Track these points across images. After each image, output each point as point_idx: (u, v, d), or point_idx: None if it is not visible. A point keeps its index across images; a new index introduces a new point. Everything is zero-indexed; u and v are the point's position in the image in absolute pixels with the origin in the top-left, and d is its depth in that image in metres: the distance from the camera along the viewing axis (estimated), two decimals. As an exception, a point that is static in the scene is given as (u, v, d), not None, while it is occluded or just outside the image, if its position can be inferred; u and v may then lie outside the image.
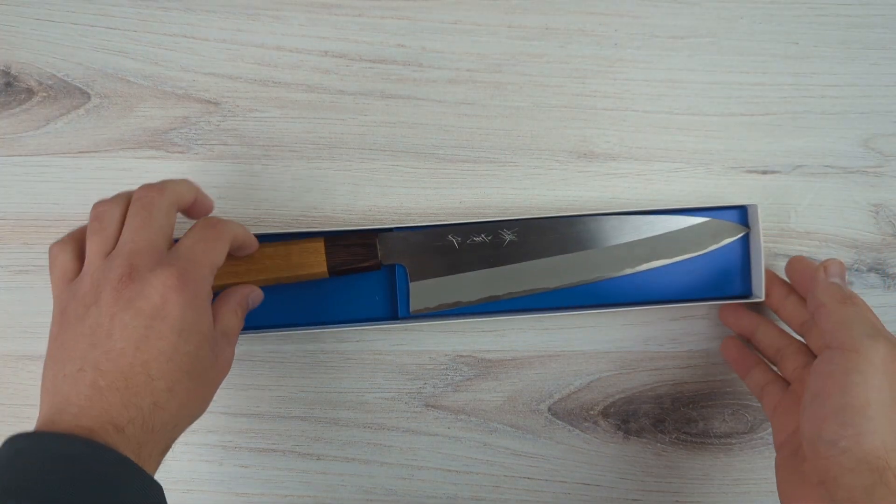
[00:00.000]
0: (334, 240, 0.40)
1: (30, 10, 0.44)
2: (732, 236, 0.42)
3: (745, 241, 0.43)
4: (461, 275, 0.41)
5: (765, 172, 0.45)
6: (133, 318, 0.31)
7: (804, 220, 0.46)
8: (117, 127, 0.44)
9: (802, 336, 0.40)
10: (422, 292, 0.41)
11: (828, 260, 0.38)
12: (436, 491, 0.45)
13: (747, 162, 0.45)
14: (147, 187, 0.34)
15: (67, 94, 0.44)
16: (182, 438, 0.44)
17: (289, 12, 0.44)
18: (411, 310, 0.41)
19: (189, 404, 0.33)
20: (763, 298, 0.42)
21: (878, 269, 0.46)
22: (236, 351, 0.44)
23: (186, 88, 0.44)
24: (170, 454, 0.44)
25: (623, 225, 0.42)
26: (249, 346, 0.45)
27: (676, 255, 0.42)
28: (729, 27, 0.45)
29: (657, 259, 0.42)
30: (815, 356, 0.39)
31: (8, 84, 0.44)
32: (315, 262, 0.39)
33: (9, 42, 0.44)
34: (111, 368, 0.30)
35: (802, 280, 0.40)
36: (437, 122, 0.45)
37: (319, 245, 0.40)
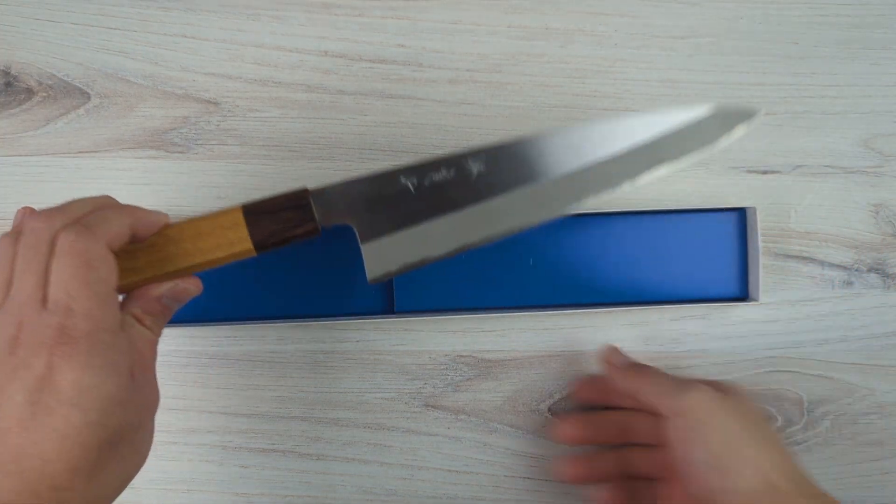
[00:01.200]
0: (255, 206, 0.33)
1: (30, 10, 0.44)
2: (744, 122, 0.36)
3: (744, 242, 0.43)
4: (423, 225, 0.34)
5: (765, 172, 0.45)
6: (17, 391, 0.26)
7: (804, 220, 0.46)
8: (117, 127, 0.44)
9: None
10: (377, 255, 0.34)
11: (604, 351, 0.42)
12: (436, 491, 0.45)
13: (747, 162, 0.45)
14: (74, 229, 0.28)
15: (67, 94, 0.44)
16: (182, 439, 0.44)
17: (289, 12, 0.44)
18: (368, 278, 0.34)
19: (109, 473, 0.28)
20: (759, 300, 0.42)
21: (878, 269, 0.46)
22: (236, 351, 0.44)
23: (186, 88, 0.44)
24: (169, 454, 0.44)
25: (614, 130, 0.35)
26: (249, 347, 0.45)
27: (683, 155, 0.35)
28: (729, 27, 0.45)
29: (661, 164, 0.35)
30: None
31: (8, 84, 0.44)
32: (235, 238, 0.32)
33: (9, 42, 0.44)
34: (1, 450, 0.26)
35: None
36: (437, 122, 0.45)
37: (237, 216, 0.32)
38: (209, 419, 0.44)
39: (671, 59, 0.45)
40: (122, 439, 0.28)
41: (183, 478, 0.45)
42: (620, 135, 0.35)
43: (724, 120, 0.35)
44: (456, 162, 0.34)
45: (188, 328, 0.44)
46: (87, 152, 0.44)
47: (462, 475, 0.45)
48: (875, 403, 0.46)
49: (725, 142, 0.35)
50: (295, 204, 0.33)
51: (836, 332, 0.46)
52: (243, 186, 0.44)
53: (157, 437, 0.44)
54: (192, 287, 0.32)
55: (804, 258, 0.46)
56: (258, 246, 0.32)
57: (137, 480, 0.44)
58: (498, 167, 0.34)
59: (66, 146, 0.44)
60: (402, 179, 0.34)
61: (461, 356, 0.45)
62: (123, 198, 0.43)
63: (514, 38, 0.45)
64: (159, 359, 0.44)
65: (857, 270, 0.46)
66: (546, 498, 0.46)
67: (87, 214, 0.29)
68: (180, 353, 0.44)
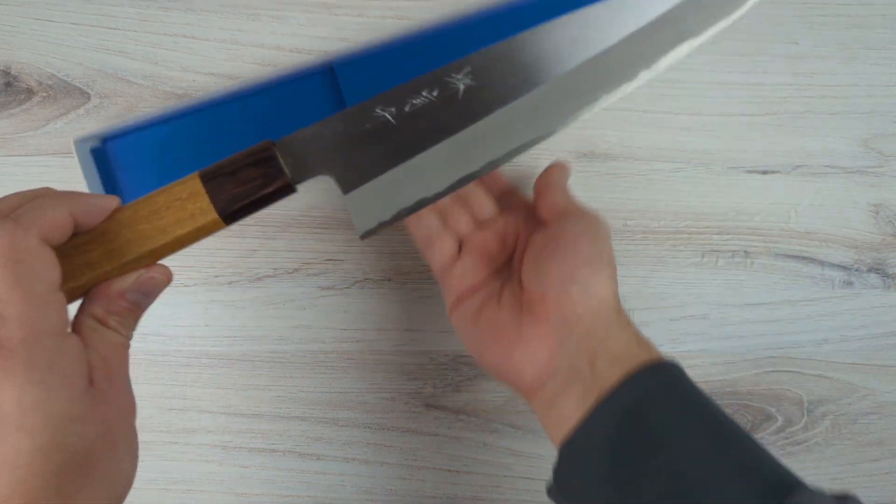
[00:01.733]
0: (214, 170, 0.28)
1: (30, 10, 0.44)
2: None
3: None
4: (412, 161, 0.29)
5: (765, 172, 0.45)
6: None
7: (804, 220, 0.46)
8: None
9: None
10: (364, 205, 0.29)
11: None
12: (436, 491, 0.45)
13: (747, 162, 0.45)
14: (2, 227, 0.24)
15: (67, 94, 0.44)
16: (182, 439, 0.44)
17: (289, 12, 0.44)
18: (359, 233, 0.30)
19: (85, 499, 0.24)
20: None
21: (878, 269, 0.46)
22: (236, 351, 0.44)
23: (186, 88, 0.44)
24: (169, 455, 0.44)
25: (617, 11, 0.29)
26: (249, 347, 0.45)
27: (706, 26, 0.30)
28: (729, 27, 0.45)
29: (681, 40, 0.30)
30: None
31: (8, 84, 0.44)
32: (196, 210, 0.28)
33: (9, 42, 0.44)
34: None
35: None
36: (437, 122, 0.44)
37: (194, 184, 0.28)
38: (209, 419, 0.44)
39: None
40: (89, 460, 0.24)
41: (183, 478, 0.45)
42: (626, 15, 0.29)
43: None
44: (438, 79, 0.29)
45: (187, 328, 0.44)
46: (87, 152, 0.44)
47: (462, 475, 0.45)
48: (875, 403, 0.46)
49: (750, 4, 0.30)
50: (258, 159, 0.28)
51: (836, 332, 0.46)
52: (243, 186, 0.44)
53: (157, 437, 0.44)
54: (159, 276, 0.28)
55: (804, 258, 0.46)
56: (225, 214, 0.28)
57: (137, 480, 0.44)
58: (488, 78, 0.29)
59: (66, 146, 0.44)
60: (379, 110, 0.29)
61: (461, 356, 0.45)
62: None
63: (514, 38, 0.45)
64: (160, 358, 0.44)
65: (857, 270, 0.46)
66: (546, 498, 0.46)
67: (17, 208, 0.26)
68: (180, 353, 0.44)
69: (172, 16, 0.44)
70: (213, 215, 0.28)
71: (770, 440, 0.46)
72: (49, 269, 0.25)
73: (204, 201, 0.28)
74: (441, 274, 0.37)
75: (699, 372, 0.46)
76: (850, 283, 0.46)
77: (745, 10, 0.31)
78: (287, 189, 0.29)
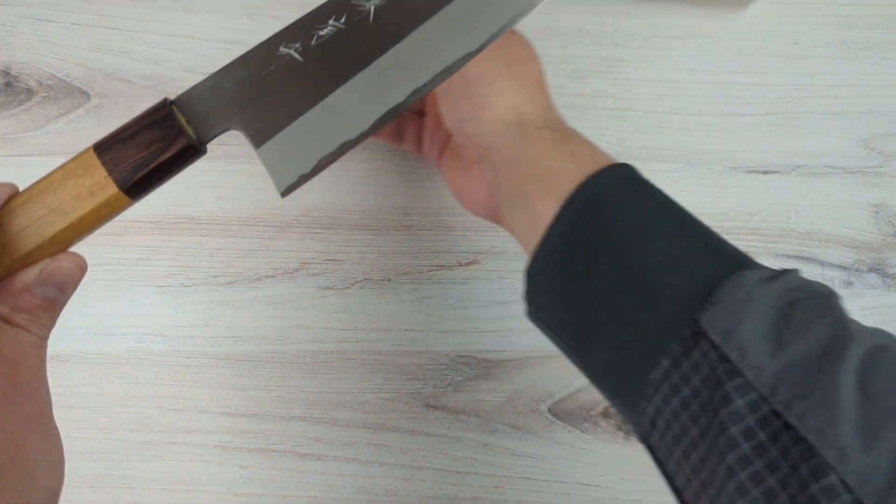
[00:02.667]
0: (108, 138, 0.25)
1: (30, 10, 0.44)
2: None
3: None
4: (327, 100, 0.26)
5: (765, 172, 0.45)
6: None
7: (804, 220, 0.46)
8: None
9: None
10: (280, 158, 0.26)
11: None
12: (436, 491, 0.45)
13: (747, 162, 0.45)
14: None
15: (67, 94, 0.44)
16: (182, 439, 0.44)
17: (289, 12, 0.44)
18: (279, 189, 0.27)
19: None
20: None
21: (878, 269, 0.46)
22: (236, 351, 0.44)
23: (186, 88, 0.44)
24: (169, 454, 0.44)
25: None
26: (249, 347, 0.44)
27: None
28: (729, 27, 0.45)
29: None
30: None
31: (8, 84, 0.44)
32: (94, 184, 0.25)
33: (9, 42, 0.44)
34: None
35: None
36: (437, 122, 0.44)
37: (88, 155, 0.25)
38: (209, 419, 0.44)
39: (671, 59, 0.45)
40: None
41: (183, 478, 0.45)
42: None
43: None
44: (344, 3, 0.26)
45: (187, 328, 0.44)
46: (87, 152, 0.44)
47: (462, 475, 0.45)
48: (875, 403, 0.46)
49: None
50: (154, 120, 0.25)
51: (837, 332, 0.46)
52: (243, 186, 0.44)
53: (157, 437, 0.44)
54: (68, 264, 0.25)
55: (804, 258, 0.46)
56: (126, 186, 0.25)
57: (137, 480, 0.44)
58: None
59: (66, 146, 0.44)
60: (284, 48, 0.26)
61: (461, 356, 0.45)
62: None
63: (515, 38, 0.45)
64: (160, 358, 0.44)
65: (857, 270, 0.46)
66: (546, 498, 0.46)
67: None
68: (180, 353, 0.44)
69: (172, 16, 0.44)
70: (112, 189, 0.25)
71: (770, 440, 0.46)
72: None
73: (100, 174, 0.25)
74: (418, 147, 0.39)
75: (699, 372, 0.46)
76: (850, 283, 0.46)
77: None
78: (192, 151, 0.26)
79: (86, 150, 0.25)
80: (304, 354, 0.45)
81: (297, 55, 0.26)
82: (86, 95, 0.44)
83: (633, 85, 0.45)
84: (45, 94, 0.44)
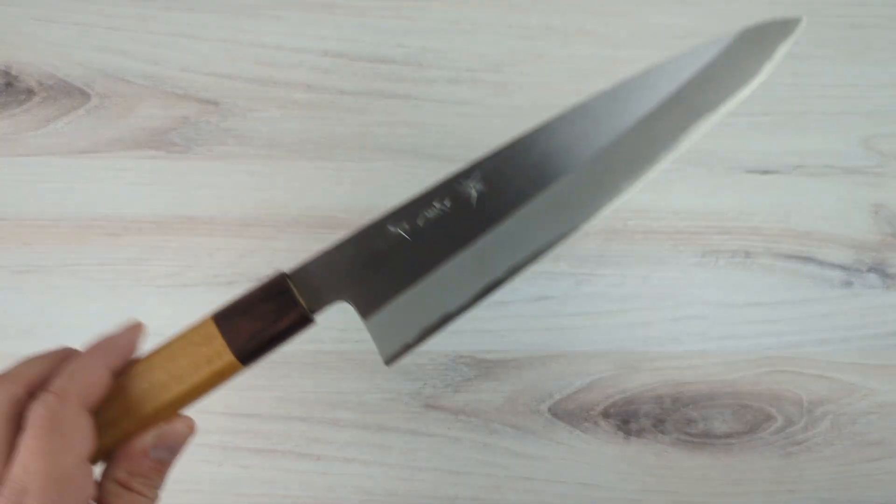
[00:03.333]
0: (228, 310, 0.27)
1: (30, 11, 0.44)
2: (785, 37, 0.29)
3: None
4: (432, 275, 0.28)
5: (765, 172, 0.45)
6: None
7: (804, 220, 0.46)
8: (117, 127, 0.44)
9: None
10: (386, 328, 0.28)
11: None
12: (436, 492, 0.45)
13: (747, 162, 0.45)
14: (44, 401, 0.23)
15: (67, 94, 0.44)
16: (182, 439, 0.44)
17: (289, 12, 0.44)
18: (384, 358, 0.28)
19: None
20: None
21: (878, 269, 0.46)
22: (236, 351, 0.44)
23: (186, 88, 0.44)
24: (169, 454, 0.44)
25: (627, 93, 0.28)
26: (249, 347, 0.44)
27: (724, 98, 0.28)
28: (729, 27, 0.45)
29: (700, 117, 0.28)
30: None
31: (8, 84, 0.44)
32: (212, 353, 0.27)
33: (9, 42, 0.44)
34: None
35: None
36: (437, 121, 0.45)
37: (208, 327, 0.27)
38: (209, 419, 0.44)
39: (671, 59, 0.45)
40: None
41: (183, 478, 0.45)
42: (637, 99, 0.28)
43: (759, 41, 0.29)
44: (449, 189, 0.28)
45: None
46: (87, 152, 0.44)
47: (462, 476, 0.45)
48: (875, 403, 0.46)
49: (769, 68, 0.28)
50: (272, 293, 0.27)
51: (836, 332, 0.46)
52: (243, 186, 0.44)
53: (157, 437, 0.44)
54: (181, 427, 0.27)
55: (804, 258, 0.46)
56: (242, 355, 0.27)
57: (137, 481, 0.44)
58: (500, 181, 0.28)
59: (66, 146, 0.44)
60: (392, 228, 0.28)
61: (461, 356, 0.45)
62: (123, 198, 0.43)
63: (515, 37, 0.45)
64: (159, 359, 0.44)
65: (857, 270, 0.46)
66: (546, 498, 0.46)
67: (51, 373, 0.25)
68: (180, 353, 0.44)
69: (172, 16, 0.44)
70: (229, 357, 0.27)
71: (770, 440, 0.46)
72: (84, 439, 0.24)
73: (219, 343, 0.27)
74: None
75: (699, 372, 0.46)
76: (849, 283, 0.46)
77: (760, 79, 0.29)
78: (304, 321, 0.28)
79: (205, 320, 0.27)
80: (304, 354, 0.45)
81: (404, 234, 0.28)
82: (86, 95, 0.44)
83: (633, 85, 0.45)
84: (45, 94, 0.44)
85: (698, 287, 0.46)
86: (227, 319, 0.27)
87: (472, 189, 0.28)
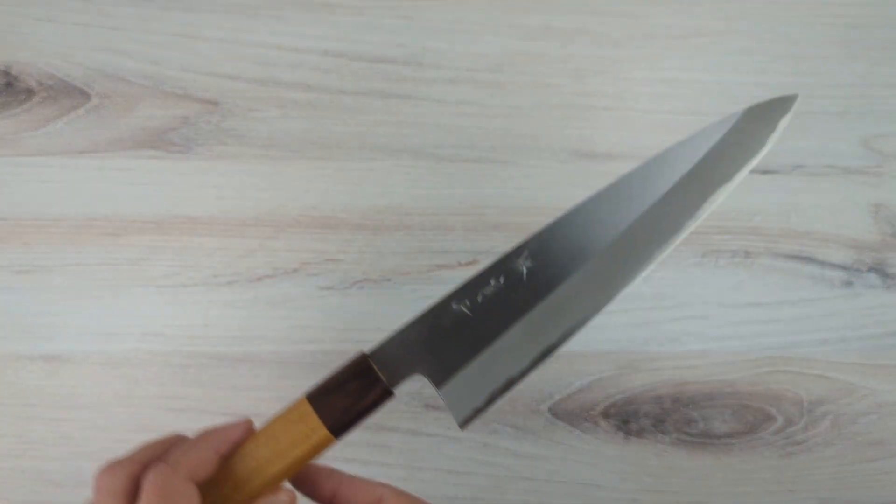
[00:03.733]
0: (318, 390, 0.31)
1: (30, 10, 0.44)
2: (784, 113, 0.33)
3: None
4: (494, 345, 0.31)
5: (765, 172, 0.45)
6: None
7: (804, 220, 0.46)
8: (117, 127, 0.44)
9: None
10: (458, 395, 0.31)
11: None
12: (436, 492, 0.45)
13: (747, 162, 0.45)
14: (156, 469, 0.27)
15: (67, 94, 0.44)
16: (182, 439, 0.44)
17: (289, 12, 0.44)
18: (458, 422, 0.31)
19: None
20: None
21: (878, 269, 0.46)
22: (236, 351, 0.44)
23: (186, 88, 0.44)
24: (169, 454, 0.44)
25: (649, 174, 0.32)
26: (249, 347, 0.44)
27: (737, 171, 0.32)
28: (729, 27, 0.45)
29: (716, 189, 0.32)
30: None
31: (8, 84, 0.44)
32: (309, 429, 0.30)
33: (9, 42, 0.44)
34: None
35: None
36: (437, 121, 0.45)
37: (303, 406, 0.31)
38: (209, 419, 0.44)
39: (671, 59, 0.45)
40: None
41: (183, 478, 0.45)
42: (659, 176, 0.32)
43: (763, 118, 0.33)
44: (502, 267, 0.32)
45: (187, 328, 0.44)
46: (87, 152, 0.44)
47: (462, 476, 0.45)
48: (875, 403, 0.46)
49: (773, 140, 0.32)
50: (356, 372, 0.31)
51: (836, 332, 0.46)
52: (243, 186, 0.44)
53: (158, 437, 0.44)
54: (284, 498, 0.29)
55: (804, 258, 0.46)
56: (334, 429, 0.30)
57: (137, 480, 0.44)
58: (546, 256, 0.32)
59: (66, 146, 0.44)
60: (455, 306, 0.32)
61: (461, 356, 0.45)
62: (123, 198, 0.43)
63: (515, 37, 0.45)
64: (160, 358, 0.44)
65: (857, 270, 0.46)
66: (546, 499, 0.46)
67: (161, 453, 0.28)
68: (180, 353, 0.44)
69: (172, 16, 0.44)
70: (323, 431, 0.30)
71: (770, 440, 0.46)
72: None
73: (314, 420, 0.30)
74: None
75: (699, 372, 0.46)
76: (850, 283, 0.46)
77: (767, 150, 0.33)
78: (386, 395, 0.31)
79: (300, 401, 0.30)
80: (304, 354, 0.45)
81: (466, 310, 0.32)
82: (86, 95, 0.44)
83: (633, 85, 0.45)
84: (45, 94, 0.44)
85: (698, 287, 0.46)
86: (318, 398, 0.30)
87: (523, 266, 0.32)
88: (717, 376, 0.46)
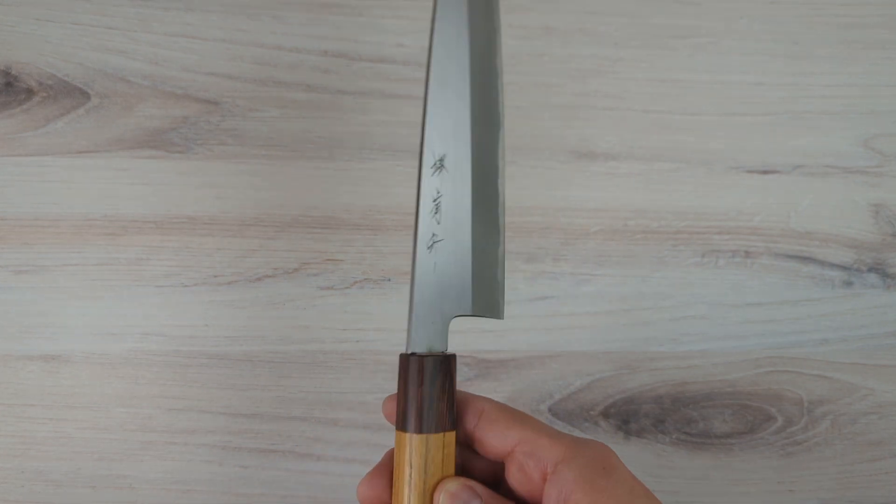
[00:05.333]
0: (401, 416, 0.30)
1: (30, 10, 0.44)
2: None
3: None
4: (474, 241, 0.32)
5: (765, 172, 0.45)
6: None
7: (804, 220, 0.46)
8: (117, 127, 0.44)
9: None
10: (485, 301, 0.32)
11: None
12: (436, 491, 0.45)
13: (747, 162, 0.45)
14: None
15: (67, 94, 0.44)
16: (182, 439, 0.44)
17: (288, 12, 0.44)
18: (501, 316, 0.33)
19: None
20: None
21: (878, 269, 0.46)
22: (236, 351, 0.44)
23: (186, 88, 0.44)
24: (169, 454, 0.44)
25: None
26: (249, 347, 0.44)
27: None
28: (729, 27, 0.45)
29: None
30: None
31: (8, 84, 0.44)
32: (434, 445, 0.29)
33: (9, 42, 0.44)
34: None
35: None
36: (437, 122, 0.44)
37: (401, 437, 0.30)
38: (209, 419, 0.44)
39: (671, 59, 0.45)
40: None
41: (183, 478, 0.45)
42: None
43: None
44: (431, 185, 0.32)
45: (187, 328, 0.44)
46: (87, 152, 0.44)
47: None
48: (875, 403, 0.46)
49: None
50: (413, 372, 0.30)
51: (836, 332, 0.46)
52: (243, 186, 0.44)
53: (158, 436, 0.44)
54: (453, 486, 0.29)
55: (804, 258, 0.46)
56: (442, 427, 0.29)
57: (137, 480, 0.44)
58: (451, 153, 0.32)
59: (66, 146, 0.44)
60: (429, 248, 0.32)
61: (461, 356, 0.45)
62: (123, 198, 0.43)
63: (514, 37, 0.45)
64: (160, 358, 0.44)
65: (857, 270, 0.46)
66: (546, 498, 0.46)
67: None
68: (180, 353, 0.44)
69: (172, 16, 0.44)
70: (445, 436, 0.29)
71: (770, 440, 0.46)
72: None
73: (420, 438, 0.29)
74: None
75: (699, 372, 0.46)
76: (850, 283, 0.46)
77: None
78: (448, 360, 0.30)
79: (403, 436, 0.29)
80: (304, 354, 0.45)
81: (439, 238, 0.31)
82: (86, 95, 0.44)
83: (633, 85, 0.45)
84: (45, 94, 0.44)
85: (698, 287, 0.46)
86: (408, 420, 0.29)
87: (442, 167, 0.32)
88: (717, 376, 0.46)
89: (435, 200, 0.32)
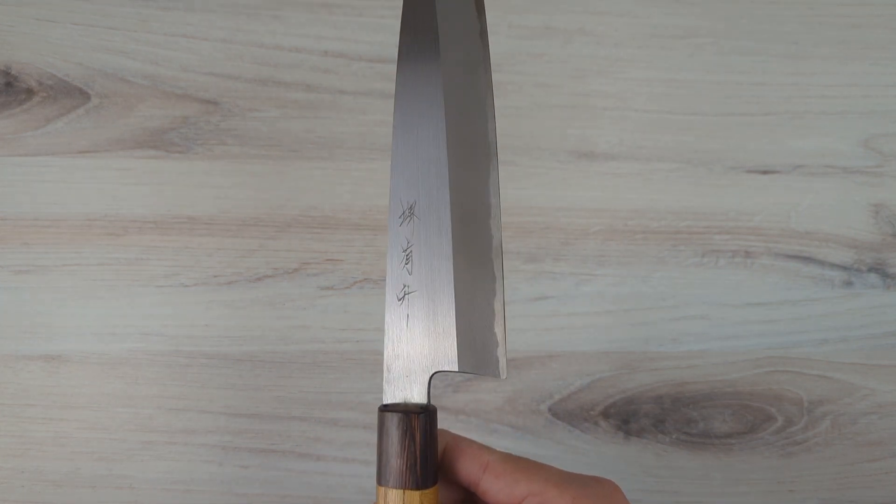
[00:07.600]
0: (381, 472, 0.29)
1: (30, 10, 0.44)
2: None
3: None
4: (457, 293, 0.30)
5: (765, 172, 0.45)
6: None
7: (804, 220, 0.46)
8: (117, 127, 0.44)
9: None
10: (476, 358, 0.30)
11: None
12: (436, 491, 0.45)
13: (747, 162, 0.45)
14: None
15: (67, 94, 0.44)
16: (182, 439, 0.44)
17: (288, 12, 0.44)
18: (503, 375, 0.30)
19: None
20: None
21: (878, 269, 0.46)
22: (236, 351, 0.44)
23: (186, 88, 0.44)
24: (169, 454, 0.44)
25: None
26: (249, 347, 0.44)
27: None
28: (729, 27, 0.45)
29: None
30: None
31: (8, 84, 0.44)
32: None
33: (9, 42, 0.44)
34: None
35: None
36: (437, 122, 0.45)
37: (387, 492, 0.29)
38: (209, 419, 0.44)
39: (671, 59, 0.45)
40: None
41: (183, 478, 0.45)
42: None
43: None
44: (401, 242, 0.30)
45: (187, 328, 0.44)
46: (87, 152, 0.44)
47: (462, 475, 0.45)
48: (875, 403, 0.46)
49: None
50: (390, 429, 0.29)
51: (836, 332, 0.46)
52: (243, 186, 0.44)
53: (157, 437, 0.44)
54: None
55: (804, 258, 0.46)
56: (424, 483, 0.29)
57: (137, 480, 0.44)
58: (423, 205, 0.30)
59: (66, 146, 0.44)
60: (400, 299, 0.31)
61: (461, 356, 0.45)
62: (123, 198, 0.43)
63: (514, 37, 0.45)
64: (160, 358, 0.44)
65: (857, 270, 0.46)
66: (546, 498, 0.46)
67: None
68: (180, 353, 0.44)
69: (172, 16, 0.44)
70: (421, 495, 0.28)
71: (770, 440, 0.46)
72: None
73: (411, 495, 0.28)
74: None
75: (699, 372, 0.46)
76: (850, 283, 0.46)
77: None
78: (430, 414, 0.29)
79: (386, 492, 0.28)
80: (304, 354, 0.45)
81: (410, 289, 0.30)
82: (86, 95, 0.44)
83: (633, 85, 0.45)
84: (45, 94, 0.44)
85: (698, 287, 0.46)
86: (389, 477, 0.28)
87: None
88: (717, 376, 0.46)
89: (405, 251, 0.30)
